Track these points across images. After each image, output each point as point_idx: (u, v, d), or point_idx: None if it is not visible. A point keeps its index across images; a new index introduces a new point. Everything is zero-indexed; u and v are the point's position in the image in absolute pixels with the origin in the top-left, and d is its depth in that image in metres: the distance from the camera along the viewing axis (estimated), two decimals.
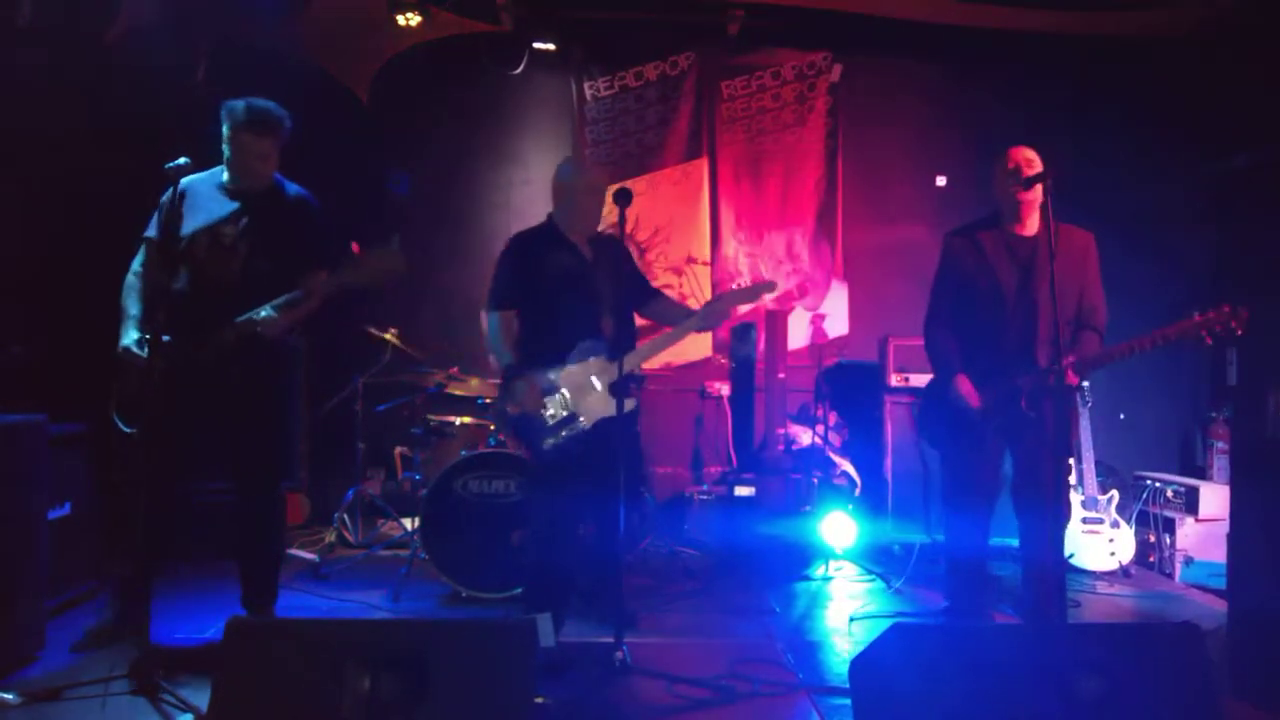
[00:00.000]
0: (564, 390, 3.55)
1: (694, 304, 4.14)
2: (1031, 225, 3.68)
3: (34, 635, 3.52)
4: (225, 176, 3.56)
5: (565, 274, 3.64)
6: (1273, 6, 5.33)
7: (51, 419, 3.67)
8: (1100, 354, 3.57)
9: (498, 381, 5.20)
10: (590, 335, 3.60)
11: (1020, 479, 3.71)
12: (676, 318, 3.84)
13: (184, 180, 3.61)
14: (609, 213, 3.63)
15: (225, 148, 3.55)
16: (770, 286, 3.76)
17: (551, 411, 3.52)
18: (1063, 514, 3.66)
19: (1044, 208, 3.44)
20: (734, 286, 3.79)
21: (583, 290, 3.63)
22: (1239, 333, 3.41)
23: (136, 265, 3.62)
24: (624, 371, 3.41)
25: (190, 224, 3.52)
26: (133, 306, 3.55)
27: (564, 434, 3.51)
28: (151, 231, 3.62)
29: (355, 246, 3.46)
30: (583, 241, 3.74)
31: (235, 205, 3.54)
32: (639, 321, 3.95)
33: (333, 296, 3.55)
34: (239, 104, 3.52)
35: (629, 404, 3.52)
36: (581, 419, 3.54)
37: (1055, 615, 3.47)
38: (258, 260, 3.53)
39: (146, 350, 3.42)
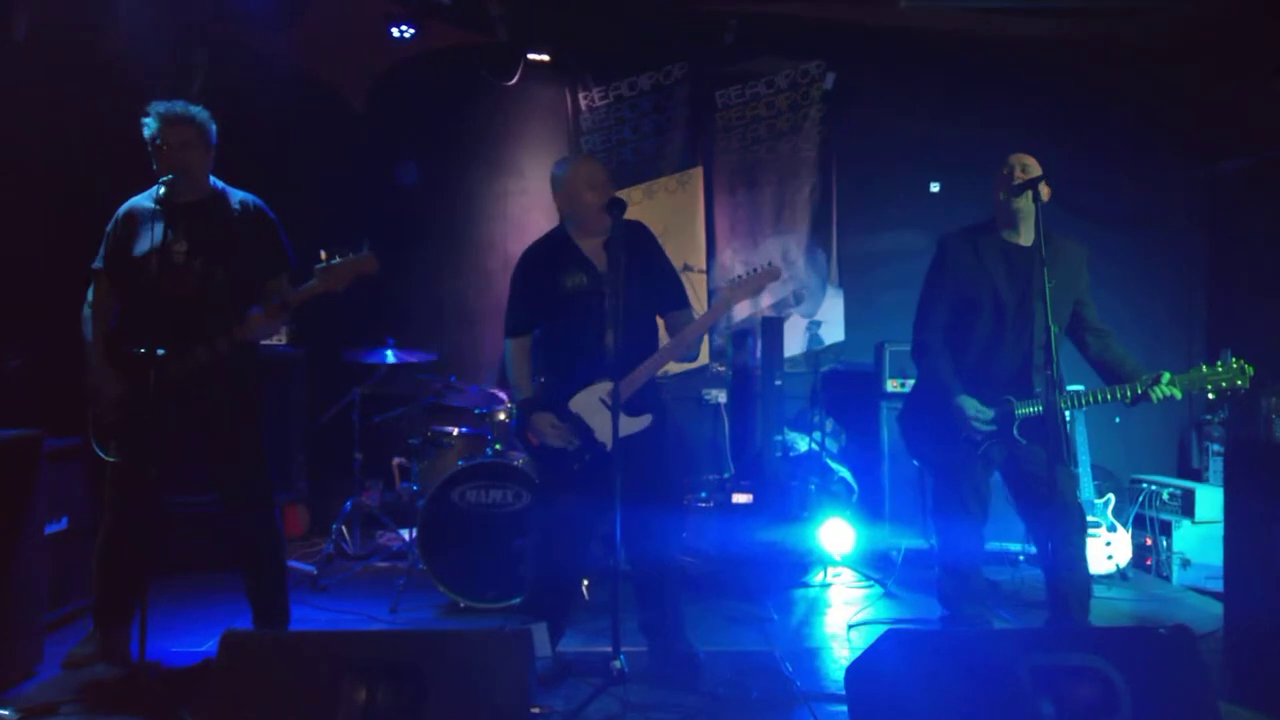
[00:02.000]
0: (581, 417, 3.50)
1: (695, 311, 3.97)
2: (1028, 234, 3.61)
3: (32, 650, 3.52)
4: (162, 190, 3.47)
5: (570, 293, 3.54)
6: (1264, 12, 5.35)
7: (48, 433, 3.68)
8: (1097, 390, 3.56)
9: (490, 390, 5.22)
10: (594, 355, 3.50)
11: (1025, 497, 3.67)
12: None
13: (127, 204, 3.63)
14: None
15: (153, 156, 3.49)
16: (775, 274, 3.54)
17: (573, 441, 3.49)
18: (1077, 524, 3.59)
19: (1036, 216, 3.42)
20: (737, 276, 3.63)
21: (587, 307, 3.51)
22: (1243, 390, 3.43)
23: (90, 295, 3.62)
24: (625, 391, 3.34)
25: (140, 246, 3.50)
26: (92, 337, 3.56)
27: (589, 458, 3.49)
28: (98, 262, 3.61)
29: (323, 254, 3.46)
30: (595, 247, 3.55)
31: (182, 220, 3.48)
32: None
33: (306, 304, 3.54)
34: (151, 105, 3.49)
35: (641, 423, 3.43)
36: (602, 442, 3.48)
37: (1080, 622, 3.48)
38: (213, 273, 3.51)
39: (111, 374, 3.46)
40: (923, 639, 2.68)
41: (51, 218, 4.74)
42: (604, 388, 3.49)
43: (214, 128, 3.60)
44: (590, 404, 3.50)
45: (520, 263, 3.70)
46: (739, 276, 3.56)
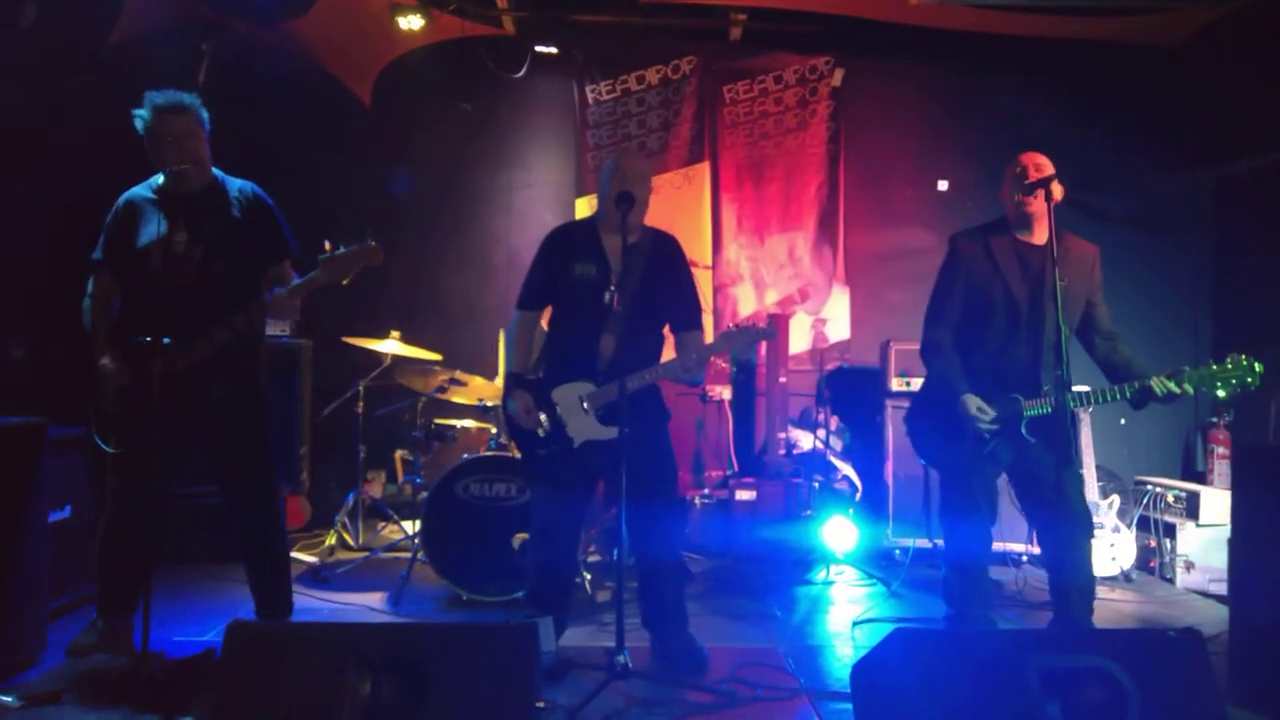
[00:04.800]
0: (557, 406, 3.51)
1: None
2: (1040, 234, 3.59)
3: (34, 638, 3.52)
4: (162, 179, 3.46)
5: (581, 283, 3.52)
6: (1274, 12, 5.32)
7: (52, 421, 3.67)
8: (1103, 390, 3.55)
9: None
10: (587, 354, 3.51)
11: (1032, 498, 3.66)
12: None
13: (127, 194, 3.61)
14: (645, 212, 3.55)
15: (150, 150, 3.46)
16: (771, 334, 3.59)
17: (544, 425, 3.50)
18: (1083, 526, 3.57)
19: (1049, 215, 3.41)
20: (731, 326, 3.66)
21: (593, 303, 3.49)
22: (1254, 388, 3.41)
23: (90, 287, 3.61)
24: (607, 396, 3.36)
25: (142, 237, 3.49)
26: (94, 329, 3.55)
27: (554, 448, 3.50)
28: (98, 253, 3.59)
29: (327, 245, 3.44)
30: (616, 244, 3.49)
31: (181, 210, 3.46)
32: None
33: (310, 295, 3.53)
34: (144, 99, 3.45)
35: (608, 433, 3.41)
36: (571, 437, 3.50)
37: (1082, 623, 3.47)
38: (214, 263, 3.49)
39: (114, 365, 3.45)
40: (930, 638, 2.67)
41: (54, 208, 4.72)
42: (584, 388, 3.50)
43: (206, 114, 3.58)
44: (569, 399, 3.52)
45: (545, 239, 3.70)
46: (733, 328, 3.60)
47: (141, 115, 3.45)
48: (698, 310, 3.73)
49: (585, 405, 3.49)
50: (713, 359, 6.44)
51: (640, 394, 3.51)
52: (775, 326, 3.69)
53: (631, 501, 3.26)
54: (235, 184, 3.65)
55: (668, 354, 3.62)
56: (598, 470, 3.50)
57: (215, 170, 3.64)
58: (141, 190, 3.59)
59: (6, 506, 3.37)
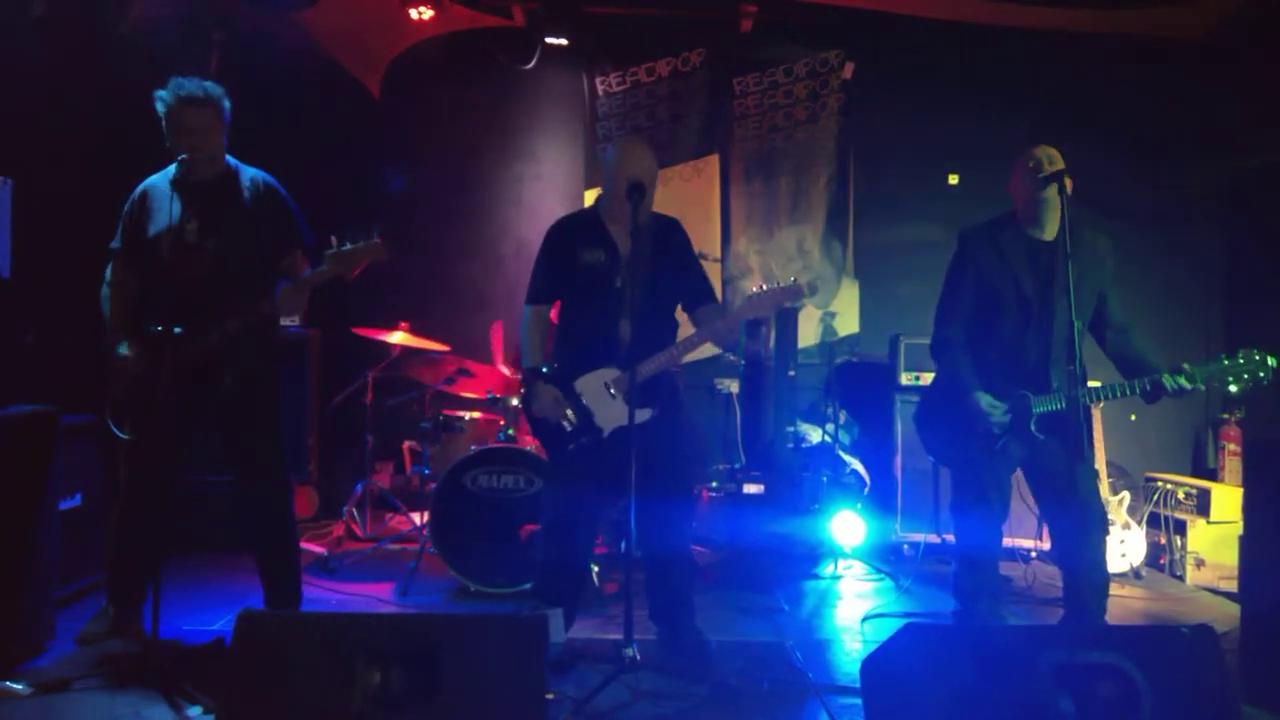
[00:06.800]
0: (583, 397, 3.49)
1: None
2: (1051, 229, 3.56)
3: (44, 626, 3.52)
4: (179, 169, 3.46)
5: (591, 271, 3.50)
6: None
7: (62, 410, 3.66)
8: (1114, 385, 3.52)
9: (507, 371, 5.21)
10: (607, 340, 3.49)
11: (1047, 494, 3.65)
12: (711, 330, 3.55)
13: (144, 183, 3.61)
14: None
15: (168, 136, 3.46)
16: (798, 292, 3.49)
17: (571, 418, 3.48)
18: (1097, 522, 3.54)
19: (1062, 209, 3.39)
20: (759, 288, 3.57)
21: (605, 290, 3.48)
22: (1266, 383, 3.37)
23: (109, 276, 3.62)
24: (637, 381, 3.31)
25: (155, 226, 3.49)
26: (111, 317, 3.56)
27: (583, 440, 3.48)
28: (115, 243, 3.60)
29: (333, 239, 3.44)
30: (622, 231, 3.47)
31: (194, 200, 3.46)
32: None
33: (317, 288, 3.53)
34: (169, 84, 3.45)
35: (641, 416, 3.34)
36: (600, 427, 3.48)
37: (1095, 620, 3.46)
38: (226, 252, 3.49)
39: (131, 353, 3.46)
40: (941, 634, 2.67)
41: (67, 196, 4.73)
42: (609, 374, 3.48)
43: (228, 104, 3.58)
44: (594, 387, 3.49)
45: (548, 232, 3.69)
46: (762, 289, 3.50)
47: (163, 98, 3.44)
48: (709, 285, 3.75)
49: (612, 390, 3.48)
50: (725, 351, 6.45)
51: (660, 380, 3.51)
52: (803, 287, 3.51)
53: (642, 492, 3.25)
54: (249, 173, 3.64)
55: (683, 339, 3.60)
56: (623, 463, 3.42)
57: (230, 159, 3.64)
58: (158, 179, 3.60)
59: (17, 494, 3.37)
